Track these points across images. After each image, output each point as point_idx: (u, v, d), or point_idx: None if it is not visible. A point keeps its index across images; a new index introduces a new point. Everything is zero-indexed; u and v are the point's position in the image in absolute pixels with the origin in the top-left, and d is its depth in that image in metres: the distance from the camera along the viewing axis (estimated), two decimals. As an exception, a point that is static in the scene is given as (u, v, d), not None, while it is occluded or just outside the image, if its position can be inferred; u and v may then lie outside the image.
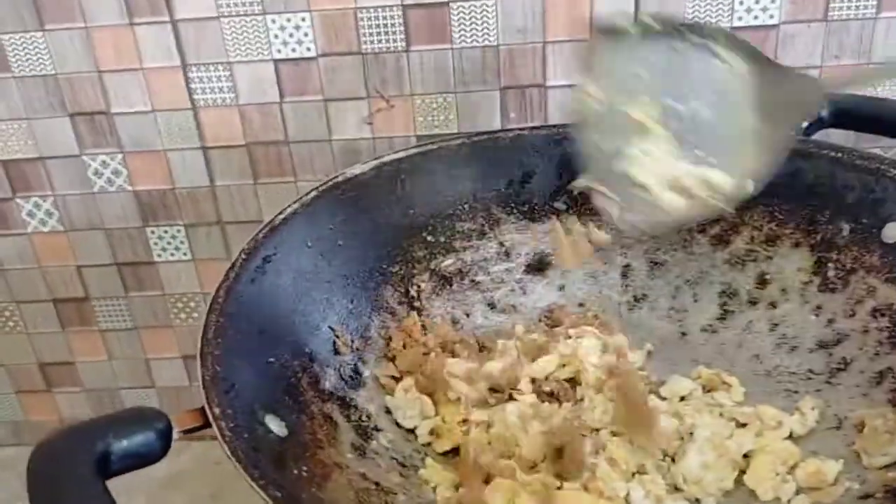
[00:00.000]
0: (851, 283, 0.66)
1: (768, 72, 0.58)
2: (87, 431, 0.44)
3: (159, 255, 0.89)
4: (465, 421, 0.60)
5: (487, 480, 0.53)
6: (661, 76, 0.59)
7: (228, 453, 0.44)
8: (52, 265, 0.89)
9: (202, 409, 0.47)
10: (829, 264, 0.68)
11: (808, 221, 0.70)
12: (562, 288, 0.75)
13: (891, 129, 0.74)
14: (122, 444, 0.43)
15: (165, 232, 0.87)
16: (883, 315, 0.63)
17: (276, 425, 0.51)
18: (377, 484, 0.54)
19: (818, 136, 0.75)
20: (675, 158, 0.59)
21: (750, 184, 0.59)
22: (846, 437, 0.58)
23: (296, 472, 0.48)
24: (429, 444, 0.60)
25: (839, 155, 0.69)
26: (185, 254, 0.88)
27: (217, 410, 0.47)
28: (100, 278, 0.90)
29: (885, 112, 0.75)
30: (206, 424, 0.47)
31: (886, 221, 0.65)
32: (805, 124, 0.74)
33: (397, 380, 0.65)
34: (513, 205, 0.76)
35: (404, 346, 0.67)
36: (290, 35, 0.78)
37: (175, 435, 0.46)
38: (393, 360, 0.67)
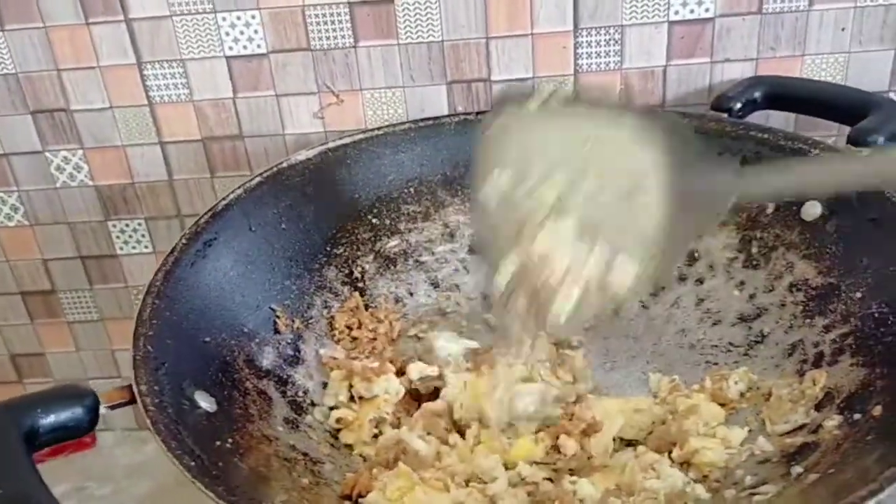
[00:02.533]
0: (772, 259, 0.69)
1: (685, 163, 0.53)
2: (16, 407, 0.47)
3: (121, 248, 0.91)
4: (378, 422, 0.62)
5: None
6: (567, 157, 0.56)
7: (149, 425, 0.47)
8: (19, 258, 0.92)
9: (129, 387, 0.50)
10: (753, 241, 0.71)
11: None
12: (503, 269, 0.77)
13: (820, 109, 0.77)
14: (50, 419, 0.46)
15: (127, 225, 0.90)
16: (799, 290, 0.66)
17: (205, 401, 0.54)
18: (305, 454, 0.57)
19: (754, 117, 0.78)
20: (577, 245, 0.56)
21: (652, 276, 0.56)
22: (756, 407, 0.61)
23: (219, 443, 0.51)
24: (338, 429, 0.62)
25: (766, 136, 0.72)
26: (146, 246, 0.91)
27: (144, 387, 0.50)
28: (65, 271, 0.93)
29: (814, 94, 0.78)
30: (133, 400, 0.49)
31: (806, 199, 0.68)
32: (737, 106, 0.77)
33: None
34: (458, 188, 0.79)
35: (348, 328, 0.70)
36: (241, 32, 0.81)
37: (102, 410, 0.49)
38: (339, 343, 0.70)
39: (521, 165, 0.57)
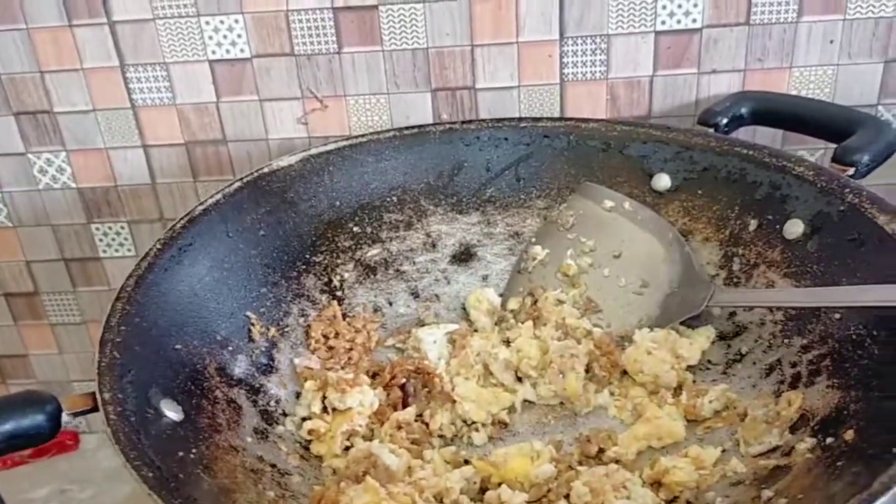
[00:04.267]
0: (754, 276, 0.68)
1: (682, 260, 0.70)
2: (-25, 413, 0.46)
3: (104, 252, 0.91)
4: (350, 434, 0.62)
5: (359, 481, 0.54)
6: (601, 246, 0.74)
7: (109, 435, 0.47)
8: (2, 260, 0.92)
9: (93, 394, 0.49)
10: (735, 258, 0.70)
11: (719, 217, 0.72)
12: (485, 278, 0.77)
13: (802, 125, 0.77)
14: (8, 426, 0.46)
15: (110, 228, 0.90)
16: (779, 309, 0.65)
17: (171, 410, 0.53)
18: (273, 465, 0.56)
19: (741, 133, 0.78)
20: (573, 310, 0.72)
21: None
22: (731, 427, 0.60)
23: (181, 454, 0.50)
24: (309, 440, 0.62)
25: (751, 152, 0.71)
26: (129, 249, 0.91)
27: (108, 395, 0.50)
28: (48, 273, 0.93)
29: (799, 110, 0.78)
30: (96, 408, 0.49)
31: (789, 218, 0.67)
32: (723, 122, 0.76)
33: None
34: (441, 197, 0.78)
35: (325, 337, 0.70)
36: (224, 36, 0.80)
37: (65, 418, 0.48)
38: (314, 352, 0.69)
39: (564, 244, 0.75)
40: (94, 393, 0.50)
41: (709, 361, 0.67)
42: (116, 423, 0.47)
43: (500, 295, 0.76)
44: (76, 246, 0.91)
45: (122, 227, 0.90)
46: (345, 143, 0.77)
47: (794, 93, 0.81)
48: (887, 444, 0.44)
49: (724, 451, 0.58)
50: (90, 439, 1.02)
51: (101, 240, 0.91)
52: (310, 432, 0.61)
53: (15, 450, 0.47)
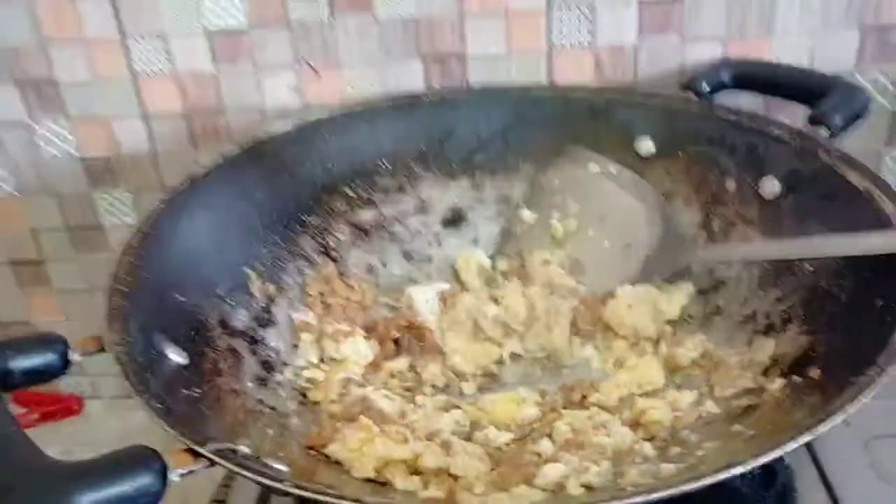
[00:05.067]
0: (732, 235, 0.72)
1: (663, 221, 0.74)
2: (-11, 350, 0.49)
3: (107, 220, 0.94)
4: (346, 382, 0.65)
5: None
6: (586, 208, 0.77)
7: (120, 371, 0.49)
8: (8, 228, 0.94)
9: (100, 337, 0.52)
10: (715, 219, 0.73)
11: (700, 180, 0.75)
12: (475, 241, 0.80)
13: (783, 91, 0.79)
14: (23, 363, 0.48)
15: (112, 196, 0.92)
16: (755, 264, 0.68)
17: (176, 354, 0.56)
18: (273, 408, 0.59)
19: (724, 98, 0.80)
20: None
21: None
22: (708, 374, 0.63)
23: (186, 392, 0.53)
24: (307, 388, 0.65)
25: (731, 117, 0.74)
26: (131, 218, 0.93)
27: (115, 337, 0.52)
28: (53, 241, 0.95)
29: (778, 76, 0.80)
30: (103, 349, 0.52)
31: (764, 177, 0.70)
32: (706, 87, 0.79)
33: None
34: (432, 162, 0.81)
35: (322, 295, 0.72)
36: (222, 7, 0.83)
37: (73, 357, 0.51)
38: (311, 308, 0.72)
39: (552, 207, 0.78)
40: (101, 336, 0.53)
41: (689, 315, 0.70)
42: (125, 361, 0.50)
43: (490, 257, 0.79)
44: (80, 214, 0.93)
45: (124, 196, 0.92)
46: (339, 110, 0.80)
47: (774, 60, 0.84)
48: (849, 376, 0.47)
49: (700, 394, 0.61)
50: (95, 404, 1.04)
51: (104, 209, 0.93)
52: (308, 381, 0.64)
53: (28, 384, 0.49)
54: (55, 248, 0.96)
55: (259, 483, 0.44)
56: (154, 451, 0.42)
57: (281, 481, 0.43)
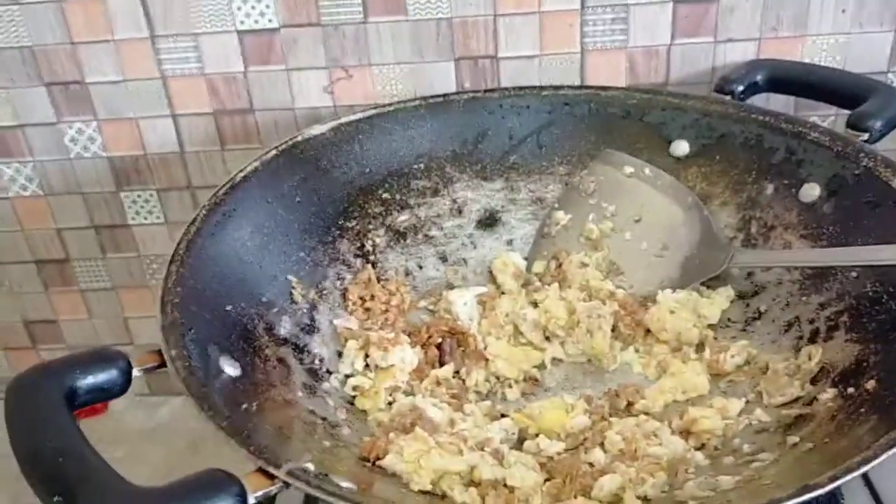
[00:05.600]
0: (771, 238, 0.72)
1: (701, 224, 0.73)
2: (56, 369, 0.49)
3: (134, 219, 0.93)
4: (392, 390, 0.65)
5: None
6: (623, 210, 0.77)
7: (183, 388, 0.50)
8: (34, 228, 0.94)
9: (160, 351, 0.52)
10: (753, 221, 0.73)
11: (736, 182, 0.75)
12: (510, 242, 0.80)
13: (816, 92, 0.79)
14: (88, 380, 0.49)
15: (139, 196, 0.92)
16: (796, 269, 0.68)
17: (229, 366, 0.56)
18: (324, 419, 0.59)
19: (755, 100, 0.80)
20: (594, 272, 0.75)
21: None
22: (752, 381, 0.64)
23: (245, 406, 0.53)
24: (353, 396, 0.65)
25: (767, 119, 0.74)
26: (157, 217, 0.93)
27: (174, 352, 0.52)
28: (78, 240, 0.95)
29: (815, 78, 0.80)
30: (163, 364, 0.52)
31: (805, 181, 0.70)
32: (739, 89, 0.79)
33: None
34: (466, 164, 0.81)
35: (361, 299, 0.72)
36: (253, 7, 0.82)
37: (136, 372, 0.51)
38: (352, 314, 0.72)
39: (587, 209, 0.78)
40: (159, 350, 0.53)
41: (729, 320, 0.70)
42: (186, 377, 0.50)
43: (525, 258, 0.79)
44: (106, 213, 0.93)
45: (151, 195, 0.92)
46: (373, 111, 0.79)
47: (807, 61, 0.84)
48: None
49: (747, 402, 0.61)
50: (119, 402, 1.04)
51: (130, 207, 0.93)
52: (354, 388, 0.64)
53: (93, 402, 0.50)
54: (80, 247, 0.96)
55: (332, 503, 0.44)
56: (231, 475, 0.42)
57: (354, 501, 0.43)
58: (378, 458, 0.55)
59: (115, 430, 1.01)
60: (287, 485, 0.43)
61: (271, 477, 0.44)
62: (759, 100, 0.81)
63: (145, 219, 0.94)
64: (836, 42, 0.83)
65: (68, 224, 0.94)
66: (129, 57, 0.85)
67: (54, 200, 0.92)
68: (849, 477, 0.41)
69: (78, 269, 0.97)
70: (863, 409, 0.51)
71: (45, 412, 0.45)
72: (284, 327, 0.66)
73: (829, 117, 0.85)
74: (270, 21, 0.83)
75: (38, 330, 1.01)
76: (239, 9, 0.82)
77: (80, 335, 1.01)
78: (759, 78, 0.80)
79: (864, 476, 0.68)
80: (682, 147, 0.78)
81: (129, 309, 0.99)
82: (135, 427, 1.02)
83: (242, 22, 0.83)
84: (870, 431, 0.47)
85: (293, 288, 0.69)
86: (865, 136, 0.70)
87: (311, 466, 0.46)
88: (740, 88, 0.79)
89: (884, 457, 0.42)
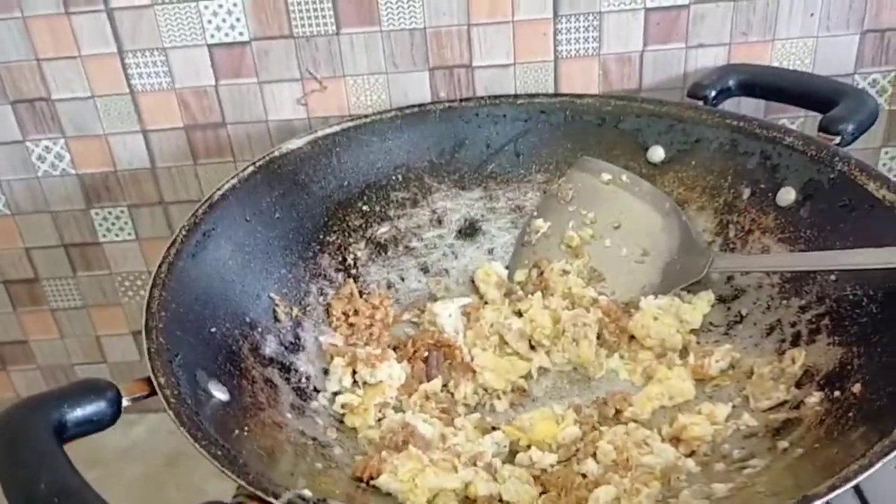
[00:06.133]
0: (749, 242, 0.73)
1: (680, 229, 0.74)
2: (44, 402, 0.48)
3: (104, 236, 0.92)
4: (382, 406, 0.64)
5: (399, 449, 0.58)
6: (603, 218, 0.77)
7: (174, 418, 0.49)
8: (1, 248, 0.92)
9: (148, 379, 0.51)
10: (730, 226, 0.74)
11: (713, 187, 0.76)
12: (491, 251, 0.80)
13: (788, 97, 0.80)
14: (76, 413, 0.47)
15: (110, 213, 0.90)
16: (775, 272, 0.69)
17: (218, 391, 0.55)
18: (314, 439, 0.59)
19: (727, 105, 0.81)
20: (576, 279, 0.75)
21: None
22: (738, 385, 0.64)
23: (237, 432, 0.52)
24: (342, 414, 0.65)
25: (741, 124, 0.75)
26: (129, 234, 0.91)
27: (162, 380, 0.51)
28: (48, 259, 0.93)
29: (783, 82, 0.81)
30: (153, 392, 0.51)
31: (781, 186, 0.71)
32: (712, 94, 0.80)
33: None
34: (444, 174, 0.81)
35: (345, 315, 0.72)
36: (223, 20, 0.81)
37: (125, 402, 0.50)
38: (336, 329, 0.71)
39: (566, 217, 0.78)
40: (148, 378, 0.52)
41: (711, 324, 0.71)
42: (176, 405, 0.49)
43: (506, 267, 0.79)
44: (76, 231, 0.91)
45: (122, 212, 0.90)
46: (349, 123, 0.79)
47: (776, 64, 0.85)
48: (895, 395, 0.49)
49: (734, 406, 0.62)
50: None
51: (100, 224, 0.91)
52: (343, 406, 0.64)
53: (82, 435, 0.48)
54: (50, 266, 0.94)
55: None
56: (229, 508, 0.41)
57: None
58: (372, 478, 0.55)
59: (91, 450, 0.99)
60: (287, 514, 0.43)
61: (271, 507, 0.43)
62: (730, 104, 0.82)
63: (116, 236, 0.92)
64: (804, 45, 0.84)
65: (37, 243, 0.92)
66: (96, 72, 0.83)
67: (22, 219, 0.90)
68: (847, 486, 0.42)
69: (48, 288, 0.95)
70: (851, 414, 0.52)
71: (35, 449, 0.44)
72: (269, 346, 0.65)
73: (797, 119, 0.87)
74: (241, 34, 0.82)
75: (8, 351, 0.99)
76: (209, 22, 0.81)
77: (52, 355, 0.99)
78: (731, 83, 0.81)
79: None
80: (658, 153, 0.78)
81: (101, 327, 0.97)
82: (110, 446, 1.00)
83: (213, 35, 0.82)
84: (861, 438, 0.48)
85: (276, 306, 0.68)
86: (837, 139, 0.71)
87: (308, 493, 0.46)
88: (713, 93, 0.80)
89: (879, 464, 0.43)
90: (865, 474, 0.43)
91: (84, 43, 0.81)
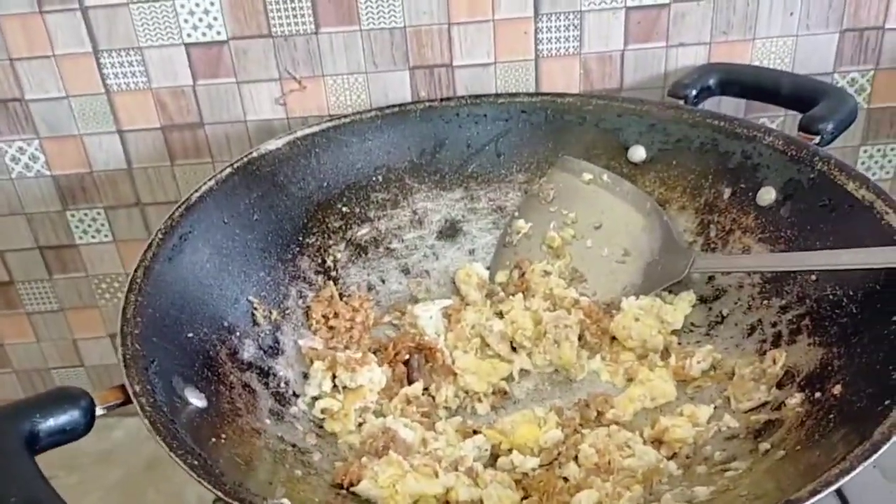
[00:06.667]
0: (730, 242, 0.72)
1: (661, 229, 0.74)
2: (15, 412, 0.47)
3: (81, 238, 0.90)
4: (362, 411, 0.64)
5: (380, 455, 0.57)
6: (584, 218, 0.77)
7: (149, 427, 0.48)
8: (-25, 251, 0.90)
9: (123, 387, 0.50)
10: (711, 225, 0.74)
11: (693, 186, 0.76)
12: (472, 252, 0.80)
13: (768, 96, 0.80)
14: (48, 423, 0.47)
15: (86, 215, 0.89)
16: (756, 272, 0.69)
17: (195, 397, 0.54)
18: (294, 445, 0.58)
19: (708, 104, 0.81)
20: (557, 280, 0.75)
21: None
22: (719, 386, 0.64)
23: (214, 440, 0.52)
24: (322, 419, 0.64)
25: (722, 124, 0.75)
26: (106, 235, 0.90)
27: (137, 387, 0.51)
28: (23, 262, 0.91)
29: (763, 82, 0.81)
30: (128, 401, 0.50)
31: (761, 185, 0.71)
32: (693, 93, 0.80)
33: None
34: (425, 174, 0.80)
35: (325, 318, 0.71)
36: (200, 20, 0.80)
37: (99, 411, 0.49)
38: (316, 333, 0.71)
39: (547, 217, 0.78)
40: (122, 386, 0.51)
41: (692, 324, 0.71)
42: (152, 414, 0.48)
43: (487, 268, 0.79)
44: (52, 233, 0.90)
45: (99, 213, 0.89)
46: (329, 124, 0.78)
47: (756, 63, 0.85)
48: (876, 397, 0.49)
49: (715, 407, 0.62)
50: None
51: (77, 226, 0.90)
52: (323, 411, 0.63)
53: (54, 446, 0.48)
54: (25, 269, 0.92)
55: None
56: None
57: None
58: (352, 484, 0.55)
59: (70, 455, 0.97)
60: (265, 524, 0.42)
61: (250, 518, 0.42)
62: (711, 103, 0.82)
63: (93, 238, 0.91)
64: (784, 44, 0.84)
65: (11, 245, 0.90)
66: (71, 72, 0.82)
67: (-5, 222, 0.89)
68: (829, 490, 0.42)
69: (23, 291, 0.93)
70: (832, 416, 0.52)
71: (6, 461, 0.43)
72: (248, 351, 0.64)
73: (777, 118, 0.87)
74: (219, 33, 0.81)
75: (-16, 356, 0.98)
76: (186, 21, 0.80)
77: (27, 359, 0.98)
78: (711, 82, 0.81)
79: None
80: (639, 152, 0.78)
81: (78, 330, 0.96)
82: (89, 451, 0.99)
83: (189, 35, 0.81)
84: (842, 440, 0.47)
85: (255, 309, 0.67)
86: (817, 139, 0.71)
87: (286, 502, 0.45)
88: (693, 93, 0.79)
89: (860, 468, 0.43)
90: (847, 478, 0.42)
91: (58, 42, 0.80)
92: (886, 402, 0.47)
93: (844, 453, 0.44)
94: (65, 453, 0.96)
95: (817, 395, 0.56)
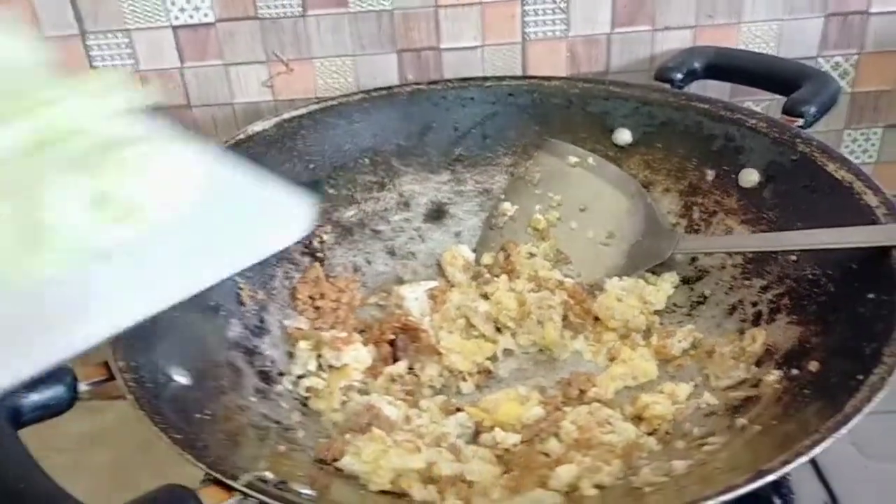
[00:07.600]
0: (713, 224, 0.73)
1: (645, 211, 0.74)
2: (-4, 388, 0.47)
3: (70, 220, 0.90)
4: (347, 389, 0.64)
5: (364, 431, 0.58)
6: (569, 200, 0.78)
7: (132, 402, 0.48)
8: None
9: (106, 363, 0.51)
10: (695, 207, 0.75)
11: (678, 169, 0.76)
12: (458, 235, 0.80)
13: (753, 79, 0.81)
14: (32, 398, 0.47)
15: (75, 197, 0.89)
16: (738, 253, 0.70)
17: (179, 374, 0.55)
18: (278, 422, 0.59)
19: (694, 87, 0.82)
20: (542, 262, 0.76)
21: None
22: (700, 364, 0.65)
23: (198, 416, 0.52)
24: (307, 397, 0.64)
25: (706, 106, 0.76)
26: (95, 218, 0.90)
27: (122, 364, 0.51)
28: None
29: (748, 65, 0.82)
30: (111, 377, 0.50)
31: (743, 168, 0.72)
32: (679, 77, 0.80)
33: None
34: (411, 157, 0.81)
35: (311, 298, 0.72)
36: (187, 2, 0.80)
37: (82, 387, 0.50)
38: (302, 313, 0.71)
39: (533, 199, 0.78)
40: (106, 362, 0.51)
41: (674, 304, 0.71)
42: (136, 389, 0.49)
43: (474, 250, 0.79)
44: (40, 217, 0.90)
45: (88, 196, 0.89)
46: (316, 106, 0.78)
47: (741, 47, 0.85)
48: (850, 373, 0.49)
49: (695, 385, 0.63)
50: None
51: (65, 209, 0.90)
52: (308, 390, 0.63)
53: (38, 421, 0.48)
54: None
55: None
56: (187, 489, 0.41)
57: (315, 508, 0.43)
58: (335, 459, 0.55)
59: (57, 436, 0.97)
60: (246, 496, 0.43)
61: (229, 489, 0.43)
62: (697, 86, 0.83)
63: (82, 220, 0.91)
64: (769, 28, 0.84)
65: (0, 228, 0.91)
66: (57, 55, 0.81)
67: (-16, 204, 0.89)
68: (800, 460, 0.43)
69: (12, 274, 0.94)
70: (807, 391, 0.53)
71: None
72: (233, 331, 0.65)
73: (763, 102, 0.87)
74: (206, 15, 0.81)
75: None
76: (173, 3, 0.80)
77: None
78: (697, 65, 0.81)
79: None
80: (624, 135, 0.79)
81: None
82: (79, 432, 0.99)
83: (177, 17, 0.81)
84: (816, 414, 0.48)
85: (240, 289, 0.68)
86: (801, 121, 0.71)
87: (269, 475, 0.46)
88: (679, 76, 0.80)
89: (832, 439, 0.43)
90: (818, 448, 0.43)
91: (45, 25, 0.80)
92: (859, 377, 0.48)
93: (817, 426, 0.45)
94: (49, 435, 0.97)
95: (794, 371, 0.56)
